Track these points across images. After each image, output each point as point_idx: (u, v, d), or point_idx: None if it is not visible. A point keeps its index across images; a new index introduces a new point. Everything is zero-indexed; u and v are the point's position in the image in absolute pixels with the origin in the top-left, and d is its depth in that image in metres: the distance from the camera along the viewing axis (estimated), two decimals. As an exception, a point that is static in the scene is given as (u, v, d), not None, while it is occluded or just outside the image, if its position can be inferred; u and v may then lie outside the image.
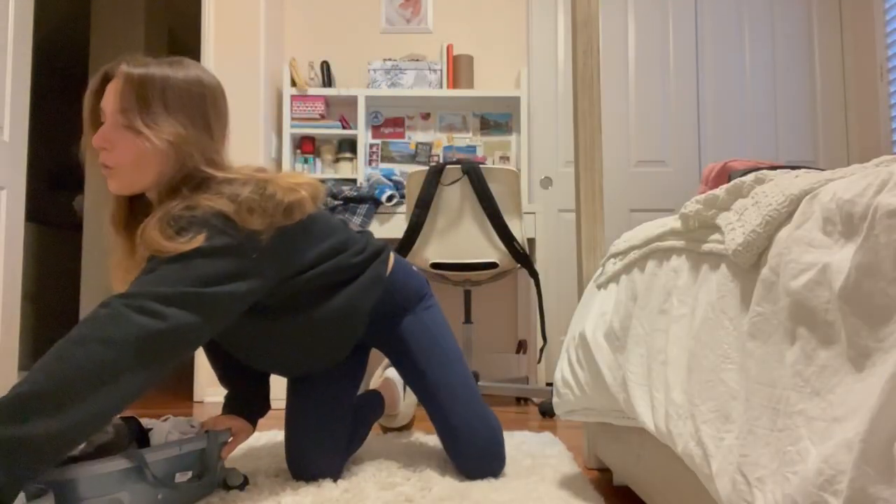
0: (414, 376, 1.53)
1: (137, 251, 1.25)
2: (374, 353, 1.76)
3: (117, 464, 1.07)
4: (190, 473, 1.23)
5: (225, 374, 1.57)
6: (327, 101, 3.54)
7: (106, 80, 1.25)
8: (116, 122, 1.19)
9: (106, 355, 0.97)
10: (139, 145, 1.19)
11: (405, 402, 1.99)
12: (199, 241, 1.10)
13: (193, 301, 1.07)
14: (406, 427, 2.04)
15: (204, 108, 1.26)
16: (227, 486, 1.35)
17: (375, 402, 1.76)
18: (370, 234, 1.55)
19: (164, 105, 1.20)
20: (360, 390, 1.69)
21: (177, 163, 1.22)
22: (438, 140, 3.63)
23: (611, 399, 1.17)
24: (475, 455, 1.44)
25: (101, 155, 1.22)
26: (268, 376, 1.61)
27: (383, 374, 1.99)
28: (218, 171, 1.24)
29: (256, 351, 1.42)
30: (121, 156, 1.21)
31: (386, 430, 2.00)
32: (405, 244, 2.63)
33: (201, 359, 3.01)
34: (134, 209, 1.33)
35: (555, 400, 1.42)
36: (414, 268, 1.63)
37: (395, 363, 1.59)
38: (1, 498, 0.89)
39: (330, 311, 1.37)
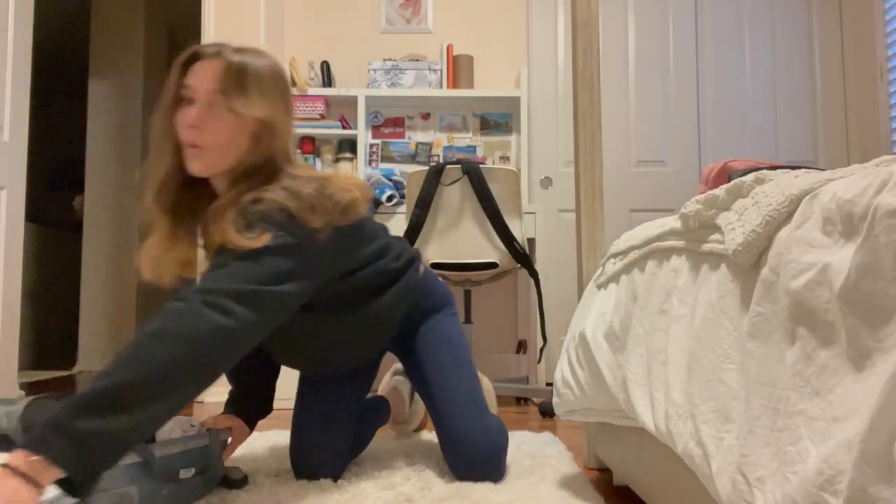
0: (421, 382, 1.54)
1: (179, 235, 1.29)
2: (386, 357, 1.77)
3: (128, 458, 1.08)
4: (193, 470, 1.23)
5: (233, 371, 1.57)
6: (327, 101, 3.54)
7: (194, 59, 1.24)
8: (212, 102, 1.20)
9: (183, 352, 1.00)
10: (233, 127, 1.21)
11: (415, 406, 2.00)
12: (266, 238, 1.12)
13: (261, 299, 1.09)
14: (418, 429, 2.05)
15: (287, 97, 1.30)
16: (228, 483, 1.35)
17: (382, 408, 1.77)
18: (405, 241, 1.59)
19: (260, 91, 1.22)
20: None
21: (259, 149, 1.24)
22: (438, 140, 3.63)
23: (611, 399, 1.17)
24: (472, 465, 1.43)
25: (189, 133, 1.21)
26: (275, 378, 1.61)
27: (391, 381, 1.99)
28: (287, 165, 1.26)
29: (291, 348, 1.43)
30: (213, 136, 1.21)
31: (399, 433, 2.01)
32: (405, 244, 2.63)
33: (201, 359, 3.01)
34: (183, 193, 1.31)
35: (555, 400, 1.42)
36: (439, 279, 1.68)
37: (406, 367, 1.60)
38: (79, 491, 0.91)
39: (369, 314, 1.39)
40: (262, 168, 1.24)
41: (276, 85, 1.27)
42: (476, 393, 1.52)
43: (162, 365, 0.98)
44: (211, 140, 1.21)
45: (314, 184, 1.21)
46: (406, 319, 1.54)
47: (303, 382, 1.57)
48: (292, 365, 1.52)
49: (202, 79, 1.21)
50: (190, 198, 1.31)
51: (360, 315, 1.39)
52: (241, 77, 1.21)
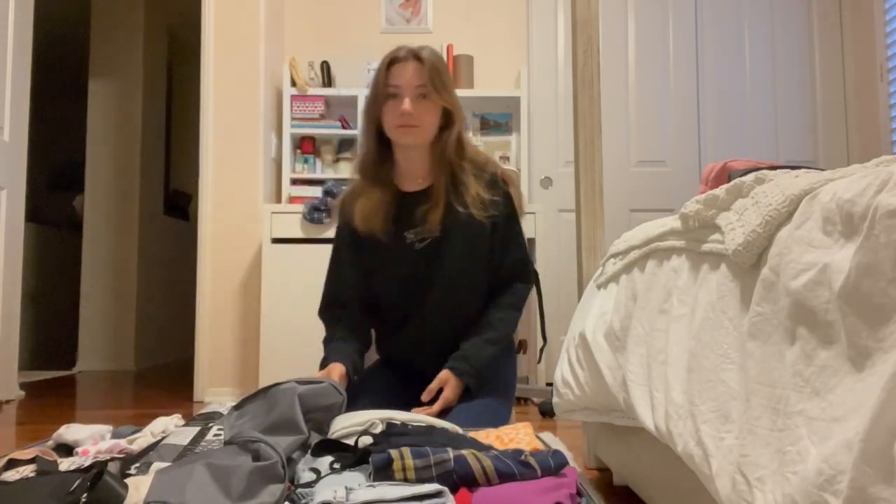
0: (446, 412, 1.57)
1: (379, 195, 1.63)
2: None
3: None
4: None
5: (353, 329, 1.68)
6: (327, 101, 3.54)
7: (392, 62, 1.57)
8: (420, 93, 1.55)
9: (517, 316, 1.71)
10: (437, 113, 1.59)
11: None
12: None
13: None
14: None
15: (451, 80, 1.66)
16: None
17: None
18: None
19: (448, 82, 1.61)
20: None
21: (450, 120, 1.62)
22: (438, 140, 3.63)
23: (611, 399, 1.17)
24: None
25: (407, 118, 1.55)
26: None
27: None
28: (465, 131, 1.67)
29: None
30: (427, 120, 1.58)
31: None
32: (405, 244, 2.63)
33: (201, 359, 3.02)
34: (379, 164, 1.66)
35: (555, 400, 1.42)
36: None
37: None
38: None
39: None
40: (454, 138, 1.61)
41: (448, 74, 1.64)
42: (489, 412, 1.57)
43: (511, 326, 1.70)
44: (425, 121, 1.57)
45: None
46: None
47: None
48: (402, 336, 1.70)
49: (406, 77, 1.55)
50: (382, 166, 1.66)
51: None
52: (437, 73, 1.57)
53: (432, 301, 1.62)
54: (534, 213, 3.09)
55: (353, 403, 1.57)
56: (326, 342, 1.69)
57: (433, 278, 1.62)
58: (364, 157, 1.66)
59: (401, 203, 1.63)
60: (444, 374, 1.56)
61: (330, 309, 1.70)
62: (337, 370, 1.54)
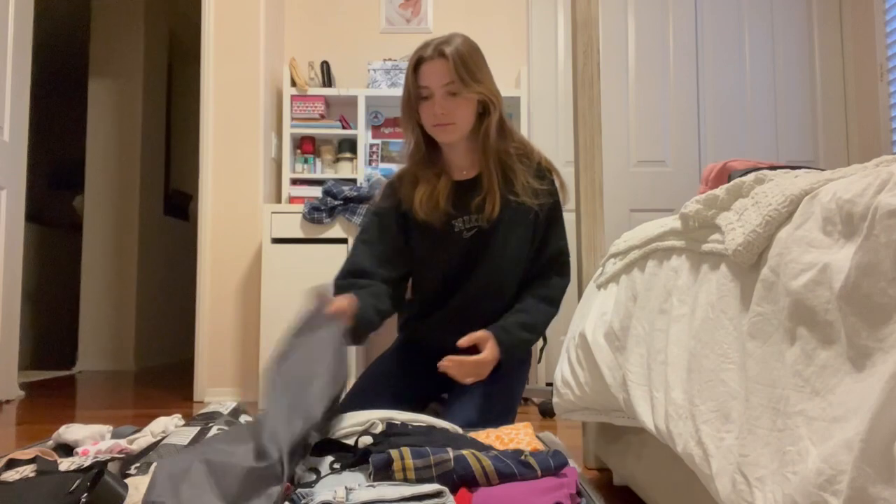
0: (448, 404, 1.59)
1: (433, 182, 1.64)
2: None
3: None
4: None
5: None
6: (327, 101, 3.54)
7: (420, 63, 1.57)
8: (448, 91, 1.55)
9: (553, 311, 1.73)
10: (471, 106, 1.58)
11: None
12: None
13: None
14: None
15: (485, 64, 1.63)
16: None
17: None
18: None
19: (479, 73, 1.57)
20: None
21: (487, 109, 1.60)
22: (438, 140, 3.63)
23: (611, 399, 1.17)
24: None
25: (440, 118, 1.56)
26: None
27: None
28: (505, 116, 1.65)
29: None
30: (461, 115, 1.57)
31: None
32: (405, 244, 2.63)
33: (201, 359, 3.02)
34: (427, 154, 1.67)
35: (555, 400, 1.42)
36: None
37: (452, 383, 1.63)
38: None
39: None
40: (495, 123, 1.60)
41: (481, 58, 1.61)
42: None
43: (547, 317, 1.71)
44: (460, 117, 1.57)
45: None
46: None
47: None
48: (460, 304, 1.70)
49: (433, 78, 1.55)
50: (432, 156, 1.67)
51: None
52: (464, 66, 1.54)
53: (476, 287, 1.65)
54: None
55: (378, 387, 1.60)
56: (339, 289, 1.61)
57: (478, 265, 1.64)
58: (414, 150, 1.67)
59: (454, 191, 1.65)
60: (485, 334, 1.56)
61: (350, 277, 1.64)
62: (348, 302, 1.48)
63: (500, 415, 1.58)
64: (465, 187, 1.65)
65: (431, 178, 1.64)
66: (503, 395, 1.63)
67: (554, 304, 1.70)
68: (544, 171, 1.67)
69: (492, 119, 1.59)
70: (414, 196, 1.63)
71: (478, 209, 1.62)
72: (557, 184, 1.69)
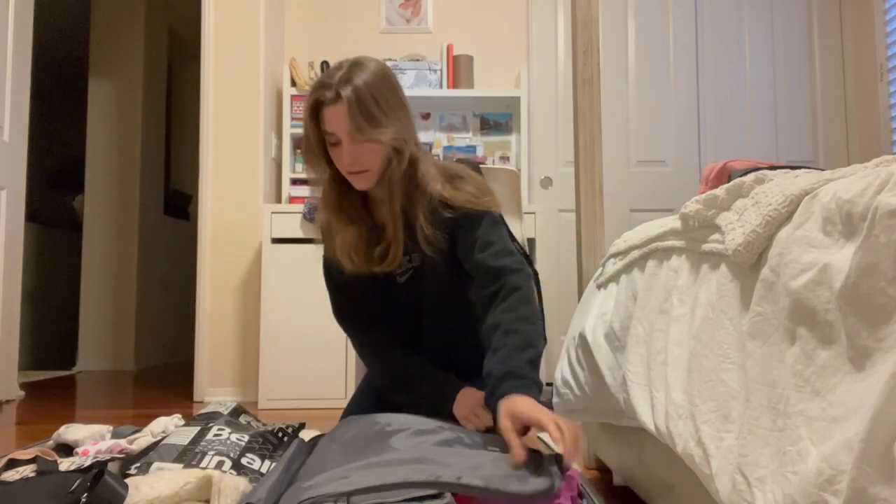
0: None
1: (356, 226, 1.45)
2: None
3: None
4: None
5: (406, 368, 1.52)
6: (327, 101, 3.53)
7: (319, 106, 1.36)
8: (355, 139, 1.35)
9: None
10: (379, 150, 1.37)
11: None
12: None
13: None
14: None
15: (400, 93, 1.43)
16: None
17: None
18: None
19: (387, 111, 1.36)
20: None
21: (397, 152, 1.40)
22: (438, 140, 3.63)
23: (611, 399, 1.17)
24: None
25: (349, 167, 1.38)
26: None
27: None
28: (416, 148, 1.45)
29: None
30: (373, 161, 1.37)
31: None
32: (405, 244, 2.62)
33: (201, 359, 3.02)
34: (342, 196, 1.48)
35: (555, 400, 1.42)
36: None
37: None
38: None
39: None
40: (405, 161, 1.41)
41: (392, 91, 1.40)
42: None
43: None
44: (370, 164, 1.37)
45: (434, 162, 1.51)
46: None
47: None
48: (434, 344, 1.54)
49: (337, 124, 1.34)
50: (347, 198, 1.47)
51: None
52: (363, 113, 1.33)
53: (431, 328, 1.51)
54: (534, 213, 3.09)
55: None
56: (391, 360, 1.51)
57: (423, 307, 1.50)
58: (327, 194, 1.48)
59: (378, 235, 1.48)
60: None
61: (350, 320, 1.56)
62: (475, 396, 1.35)
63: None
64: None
65: (348, 227, 1.46)
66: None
67: (526, 301, 1.37)
68: (438, 210, 1.42)
69: (397, 165, 1.40)
70: (336, 249, 1.47)
71: (392, 258, 1.45)
72: (463, 202, 1.43)
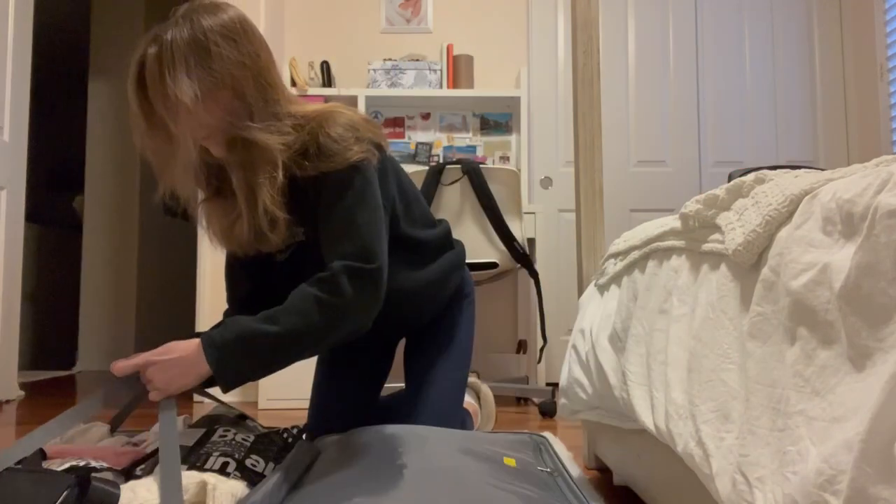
0: (409, 360, 1.57)
1: (228, 205, 1.32)
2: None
3: None
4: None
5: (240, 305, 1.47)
6: (327, 101, 3.53)
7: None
8: (166, 112, 1.24)
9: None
10: (209, 110, 1.24)
11: (485, 409, 2.03)
12: None
13: None
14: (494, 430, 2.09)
15: (223, 45, 1.29)
16: None
17: (468, 424, 1.79)
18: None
19: (184, 72, 1.23)
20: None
21: (235, 109, 1.29)
22: (438, 140, 3.63)
23: (615, 401, 1.17)
24: None
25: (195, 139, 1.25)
26: None
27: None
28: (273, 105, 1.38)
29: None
30: (202, 128, 1.25)
31: None
32: (405, 244, 2.63)
33: (201, 359, 3.01)
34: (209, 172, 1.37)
35: (562, 401, 1.42)
36: None
37: (408, 341, 1.63)
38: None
39: (431, 274, 1.50)
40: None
41: (195, 51, 1.24)
42: (453, 393, 1.53)
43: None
44: (202, 134, 1.24)
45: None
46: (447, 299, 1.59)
47: (318, 387, 1.59)
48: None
49: (154, 99, 1.21)
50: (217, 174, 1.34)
51: (424, 273, 1.47)
52: (159, 80, 1.20)
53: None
54: (534, 213, 3.09)
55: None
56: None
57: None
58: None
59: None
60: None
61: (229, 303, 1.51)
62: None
63: (455, 387, 1.54)
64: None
65: (217, 203, 1.36)
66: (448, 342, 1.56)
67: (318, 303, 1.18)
68: (298, 181, 1.24)
69: (238, 116, 1.29)
70: (211, 233, 1.39)
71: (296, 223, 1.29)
72: (327, 168, 1.24)
